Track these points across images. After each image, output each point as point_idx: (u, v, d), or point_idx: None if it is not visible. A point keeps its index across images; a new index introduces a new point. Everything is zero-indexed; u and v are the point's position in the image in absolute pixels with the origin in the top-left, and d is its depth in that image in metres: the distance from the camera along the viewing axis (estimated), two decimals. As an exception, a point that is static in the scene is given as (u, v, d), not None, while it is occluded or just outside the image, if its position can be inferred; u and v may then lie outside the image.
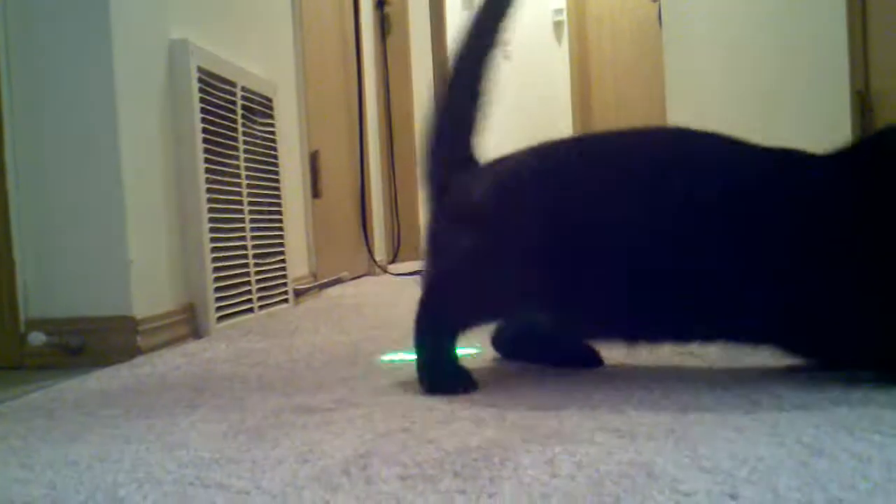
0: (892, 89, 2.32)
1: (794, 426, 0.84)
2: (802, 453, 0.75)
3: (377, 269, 3.79)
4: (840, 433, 0.81)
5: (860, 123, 2.45)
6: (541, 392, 1.08)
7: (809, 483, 0.67)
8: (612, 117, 7.07)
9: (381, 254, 4.24)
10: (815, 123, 2.83)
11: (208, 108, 1.91)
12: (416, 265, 4.29)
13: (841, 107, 2.55)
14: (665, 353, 1.31)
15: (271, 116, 2.33)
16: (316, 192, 2.96)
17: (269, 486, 0.74)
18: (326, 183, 3.16)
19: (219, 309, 1.90)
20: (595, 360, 1.25)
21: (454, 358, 1.16)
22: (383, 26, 4.65)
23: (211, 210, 1.89)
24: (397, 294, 2.70)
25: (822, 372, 1.10)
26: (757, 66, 3.40)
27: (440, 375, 1.14)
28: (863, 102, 2.44)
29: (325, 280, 2.98)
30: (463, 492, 0.70)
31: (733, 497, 0.65)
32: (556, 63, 7.16)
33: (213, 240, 1.89)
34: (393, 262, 4.58)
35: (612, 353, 1.33)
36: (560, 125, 7.02)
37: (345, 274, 3.24)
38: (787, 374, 1.11)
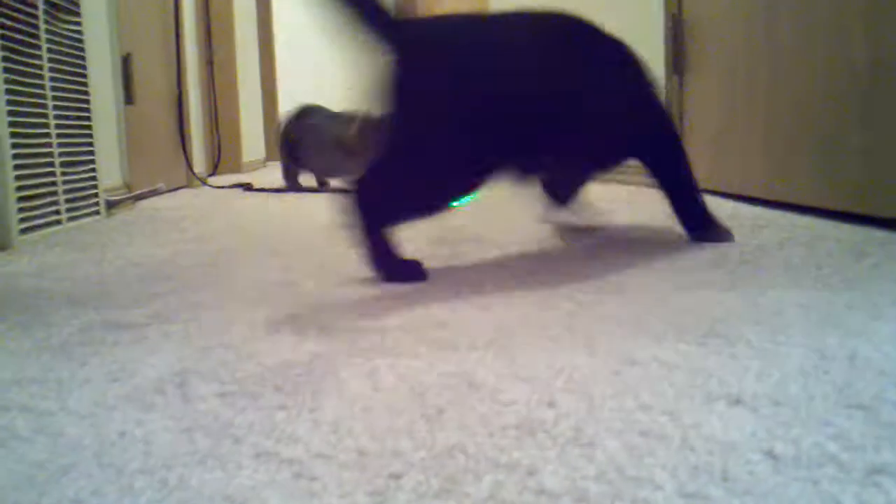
0: (706, 14, 2.41)
1: (608, 337, 0.87)
2: (615, 363, 0.78)
3: (196, 182, 3.66)
4: (649, 343, 0.84)
5: (672, 47, 2.53)
6: (364, 306, 1.07)
7: (622, 391, 0.69)
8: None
9: (200, 165, 4.10)
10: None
11: (4, 1, 1.75)
12: (238, 178, 4.17)
13: (655, 30, 2.63)
14: (486, 264, 1.33)
15: (77, 14, 2.17)
16: (129, 98, 2.80)
17: (77, 407, 0.70)
18: (140, 89, 2.99)
19: (22, 220, 1.78)
20: (420, 275, 1.26)
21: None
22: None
23: (11, 114, 1.75)
24: (216, 207, 2.62)
25: (632, 282, 1.15)
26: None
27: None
28: (676, 26, 2.52)
29: (140, 191, 2.85)
30: (284, 407, 0.68)
31: (551, 405, 0.66)
32: None
33: (14, 146, 1.75)
34: (213, 174, 4.44)
35: (433, 261, 1.34)
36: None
37: (161, 185, 3.11)
38: (599, 287, 1.15)
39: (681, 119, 2.53)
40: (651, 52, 2.66)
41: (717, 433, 0.59)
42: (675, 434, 0.60)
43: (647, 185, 2.61)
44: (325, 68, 6.14)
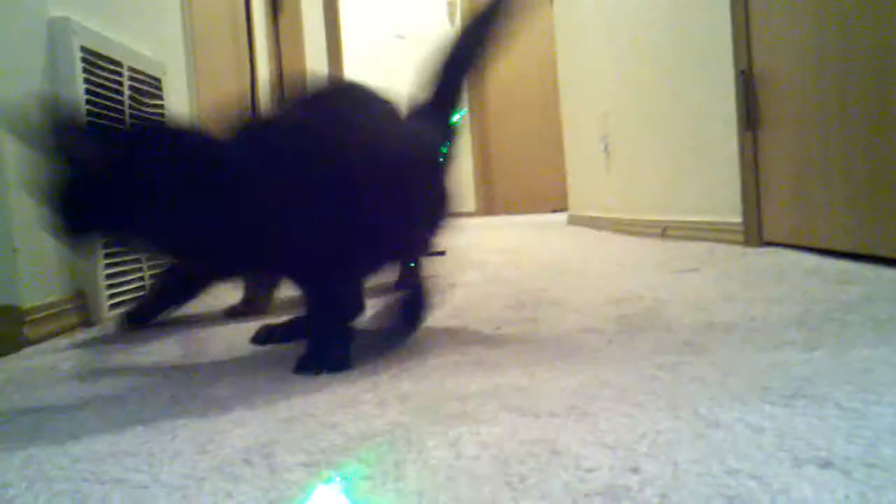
0: (775, 68, 2.40)
1: (690, 399, 0.86)
2: (699, 425, 0.77)
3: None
4: (734, 404, 0.83)
5: (744, 103, 2.52)
6: (442, 373, 1.08)
7: (708, 455, 0.69)
8: (507, 93, 7.12)
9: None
10: (704, 101, 2.90)
11: (94, 89, 1.84)
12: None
13: (727, 85, 2.62)
14: (565, 328, 1.32)
15: (161, 97, 2.26)
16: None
17: (169, 479, 0.72)
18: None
19: (111, 296, 1.84)
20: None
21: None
22: (275, 5, 4.56)
23: (99, 195, 1.82)
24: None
25: (713, 342, 1.13)
26: (640, 42, 3.47)
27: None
28: (747, 82, 2.51)
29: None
30: (369, 477, 0.69)
31: (635, 471, 0.66)
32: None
33: (102, 225, 1.83)
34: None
35: (513, 328, 1.34)
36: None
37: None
38: (679, 349, 1.14)
39: (756, 176, 2.51)
40: (722, 109, 2.65)
41: (807, 498, 0.58)
42: (764, 499, 0.58)
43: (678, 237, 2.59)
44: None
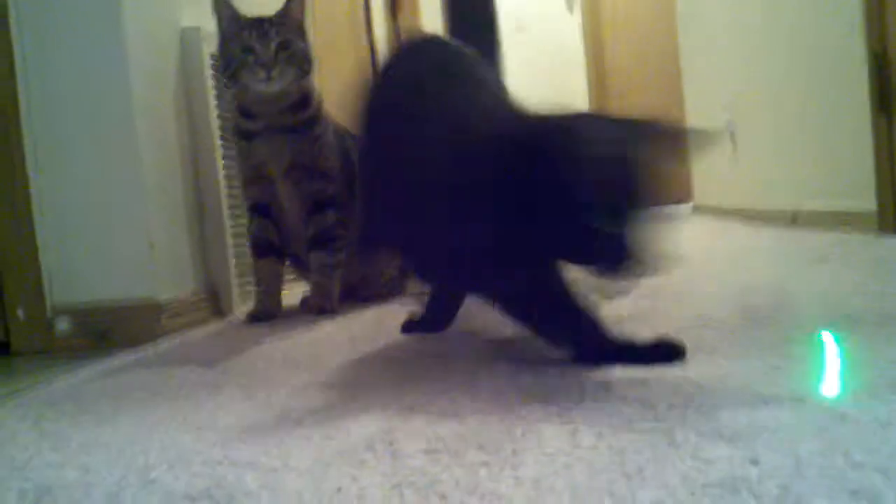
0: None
1: (812, 391, 0.85)
2: (823, 418, 0.75)
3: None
4: (860, 397, 0.81)
5: (878, 84, 2.42)
6: (561, 365, 1.08)
7: (831, 448, 0.67)
8: (626, 84, 7.02)
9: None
10: (835, 85, 2.80)
11: (221, 93, 1.92)
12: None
13: (859, 68, 2.53)
14: (684, 321, 1.31)
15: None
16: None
17: (297, 464, 0.76)
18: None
19: (241, 290, 1.92)
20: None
21: None
22: (394, 4, 4.63)
23: (230, 195, 1.90)
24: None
25: (842, 333, 1.10)
26: (771, 24, 3.37)
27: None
28: (880, 64, 2.41)
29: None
30: (487, 464, 0.71)
31: (755, 463, 0.65)
32: (569, 33, 7.12)
33: (232, 223, 1.90)
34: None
35: (633, 321, 1.33)
36: (576, 94, 6.98)
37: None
38: (805, 338, 1.11)
39: (891, 161, 2.41)
40: (855, 93, 2.55)
41: (936, 492, 0.57)
42: (889, 494, 0.57)
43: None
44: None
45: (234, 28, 1.67)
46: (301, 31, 1.72)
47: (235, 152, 1.79)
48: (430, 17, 5.09)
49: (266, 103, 1.68)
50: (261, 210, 1.77)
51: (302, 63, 1.70)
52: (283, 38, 1.65)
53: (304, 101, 1.73)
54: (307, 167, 1.74)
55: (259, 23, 1.67)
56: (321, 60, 2.80)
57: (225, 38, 1.69)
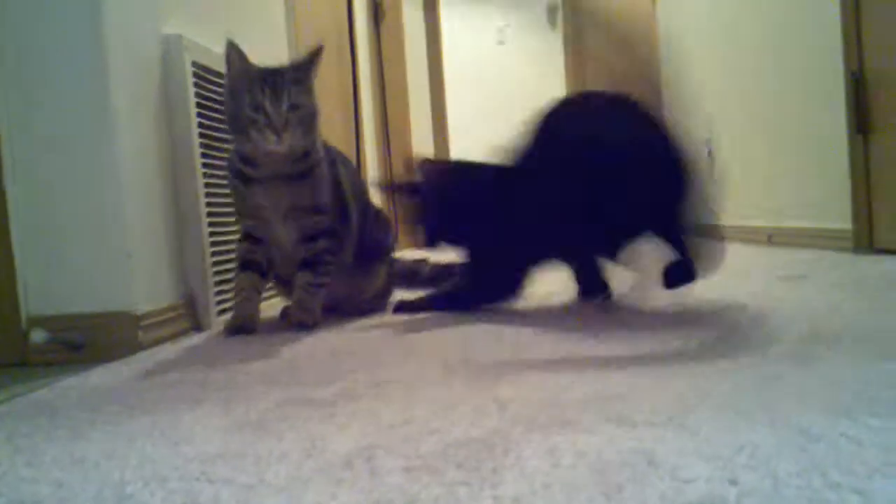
0: (887, 70, 2.32)
1: (792, 411, 0.85)
2: (801, 438, 0.76)
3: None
4: (838, 417, 0.82)
5: (855, 104, 2.45)
6: (542, 380, 1.09)
7: (808, 468, 0.68)
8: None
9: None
10: (813, 105, 2.83)
11: (204, 101, 1.91)
12: (415, 254, 4.29)
13: (836, 88, 2.55)
14: (663, 338, 1.31)
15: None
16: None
17: (275, 480, 0.75)
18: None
19: (219, 302, 1.91)
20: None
21: None
22: (376, 13, 4.64)
23: (209, 203, 1.89)
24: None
25: (818, 351, 1.11)
26: (749, 45, 3.40)
27: None
28: (857, 84, 2.44)
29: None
30: (466, 483, 0.71)
31: (733, 483, 0.65)
32: (551, 47, 7.15)
33: (212, 233, 1.89)
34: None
35: (611, 337, 1.34)
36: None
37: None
38: (783, 358, 1.12)
39: (867, 181, 2.43)
40: (832, 112, 2.58)
41: (912, 514, 0.57)
42: (867, 514, 0.58)
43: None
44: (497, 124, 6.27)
45: (245, 81, 1.64)
46: (311, 88, 1.72)
47: (231, 188, 1.79)
48: (414, 25, 5.11)
49: (270, 157, 1.68)
50: (254, 238, 1.78)
51: (311, 122, 1.70)
52: (295, 101, 1.65)
53: (307, 153, 1.73)
54: (305, 208, 1.75)
55: (272, 78, 1.65)
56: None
57: (234, 90, 1.66)
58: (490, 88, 6.81)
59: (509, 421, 0.89)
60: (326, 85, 3.32)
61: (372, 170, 4.24)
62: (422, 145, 5.33)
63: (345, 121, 3.62)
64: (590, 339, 1.37)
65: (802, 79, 2.88)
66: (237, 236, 1.82)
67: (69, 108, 1.56)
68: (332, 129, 3.35)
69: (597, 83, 7.01)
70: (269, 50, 2.53)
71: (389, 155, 4.68)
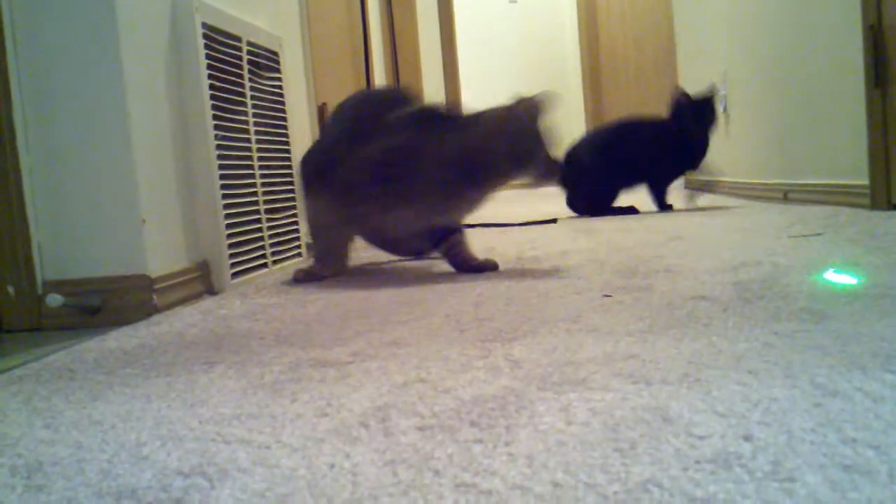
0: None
1: (807, 367, 0.85)
2: (816, 394, 0.75)
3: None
4: (853, 373, 0.81)
5: (873, 58, 2.41)
6: (555, 339, 1.09)
7: (823, 424, 0.67)
8: (621, 56, 6.99)
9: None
10: (828, 59, 2.79)
11: (215, 63, 1.90)
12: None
13: (852, 41, 2.52)
14: (676, 296, 1.31)
15: (278, 70, 2.32)
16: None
17: (290, 440, 0.76)
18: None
19: (233, 265, 1.91)
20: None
21: None
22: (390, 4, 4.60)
23: (221, 167, 1.89)
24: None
25: (833, 308, 1.10)
26: (768, 5, 3.35)
27: None
28: (875, 37, 2.40)
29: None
30: (480, 441, 0.71)
31: (747, 439, 0.65)
32: (563, 4, 7.07)
33: (224, 196, 1.89)
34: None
35: (626, 296, 1.33)
36: (569, 66, 6.94)
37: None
38: (797, 313, 1.11)
39: (884, 136, 2.40)
40: (849, 66, 2.55)
41: (928, 468, 0.57)
42: (882, 469, 0.57)
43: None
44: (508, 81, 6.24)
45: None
46: None
47: None
48: (425, 10, 5.05)
49: None
50: None
51: None
52: None
53: None
54: None
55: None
56: (313, 32, 2.78)
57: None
58: (501, 46, 6.75)
59: (523, 379, 0.89)
60: (336, 47, 3.29)
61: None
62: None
63: (356, 83, 3.59)
64: (604, 298, 1.37)
65: (820, 32, 2.84)
66: (249, 199, 1.82)
67: (81, 74, 1.55)
68: (342, 94, 3.33)
69: (610, 39, 6.95)
70: (279, 11, 2.51)
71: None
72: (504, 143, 1.73)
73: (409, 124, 1.81)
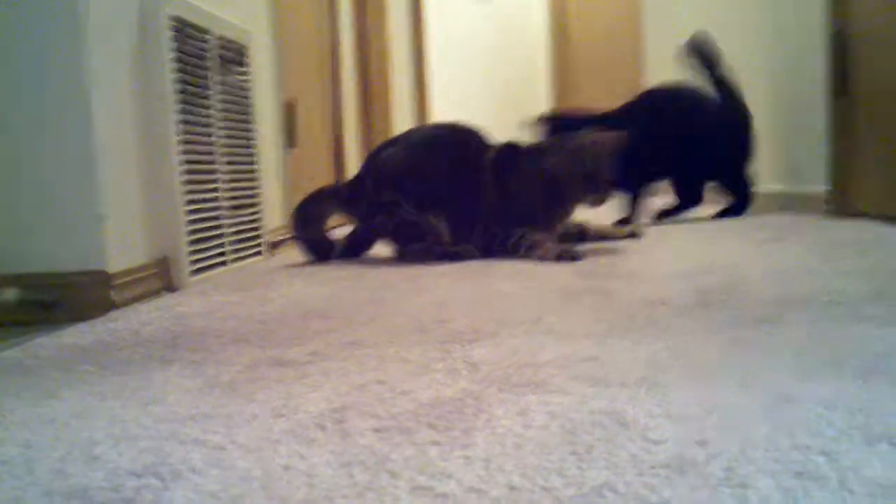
0: (870, 30, 2.32)
1: (762, 373, 0.86)
2: (770, 400, 0.76)
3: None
4: (807, 379, 0.82)
5: (838, 66, 2.44)
6: (516, 341, 1.09)
7: (776, 430, 0.68)
8: (593, 57, 7.03)
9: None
10: (791, 65, 2.82)
11: (181, 56, 1.88)
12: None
13: (817, 47, 2.54)
14: (636, 300, 1.32)
15: (246, 65, 2.30)
16: (291, 142, 2.94)
17: (245, 441, 0.75)
18: (302, 133, 3.13)
19: (193, 262, 1.89)
20: None
21: None
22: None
23: (184, 162, 1.87)
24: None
25: (789, 315, 1.12)
26: (734, 5, 3.38)
27: None
28: (840, 44, 2.43)
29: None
30: (437, 443, 0.71)
31: (702, 444, 0.66)
32: (534, 5, 7.10)
33: (186, 192, 1.87)
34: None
35: (586, 299, 1.34)
36: (538, 66, 6.98)
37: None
38: (754, 321, 1.12)
39: (845, 144, 2.43)
40: (811, 73, 2.57)
41: (878, 476, 0.57)
42: (833, 475, 0.58)
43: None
44: (478, 116, 6.24)
45: None
46: None
47: None
48: (396, 14, 5.04)
49: None
50: None
51: None
52: None
53: None
54: None
55: None
56: (282, 26, 2.76)
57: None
58: (472, 47, 6.76)
59: (482, 382, 0.89)
60: (305, 42, 3.28)
61: (350, 127, 4.21)
62: (401, 105, 5.29)
63: (322, 84, 3.58)
64: (568, 302, 1.37)
65: (784, 36, 2.87)
66: (211, 195, 1.80)
67: (42, 65, 1.53)
68: (309, 93, 3.31)
69: (580, 37, 6.98)
70: (248, 4, 2.49)
71: (369, 117, 4.64)
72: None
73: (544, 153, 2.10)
